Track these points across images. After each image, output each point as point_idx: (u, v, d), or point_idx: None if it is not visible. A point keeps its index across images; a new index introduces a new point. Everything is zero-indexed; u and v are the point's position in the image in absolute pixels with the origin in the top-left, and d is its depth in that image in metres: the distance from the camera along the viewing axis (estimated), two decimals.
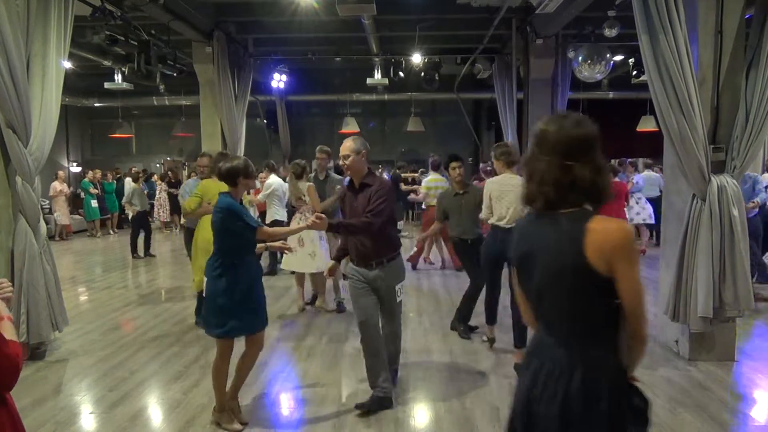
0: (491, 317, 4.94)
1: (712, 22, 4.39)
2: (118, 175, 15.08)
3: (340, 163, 3.84)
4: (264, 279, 3.75)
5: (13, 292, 1.79)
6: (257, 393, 4.07)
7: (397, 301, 3.87)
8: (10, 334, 1.56)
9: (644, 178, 10.48)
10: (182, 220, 6.79)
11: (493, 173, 5.36)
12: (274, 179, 7.60)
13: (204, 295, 3.57)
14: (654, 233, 10.56)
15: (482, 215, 4.69)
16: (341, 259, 4.16)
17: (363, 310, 3.75)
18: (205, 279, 3.49)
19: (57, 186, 12.93)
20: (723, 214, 4.40)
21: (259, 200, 7.60)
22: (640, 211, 9.85)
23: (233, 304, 3.37)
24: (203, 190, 5.29)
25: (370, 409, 3.70)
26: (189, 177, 6.78)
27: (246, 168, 3.51)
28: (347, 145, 3.73)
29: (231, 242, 3.43)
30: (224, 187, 5.15)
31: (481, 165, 11.59)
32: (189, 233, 5.98)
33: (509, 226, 4.41)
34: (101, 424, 3.65)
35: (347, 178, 4.41)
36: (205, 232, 5.06)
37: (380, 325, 3.86)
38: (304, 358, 4.79)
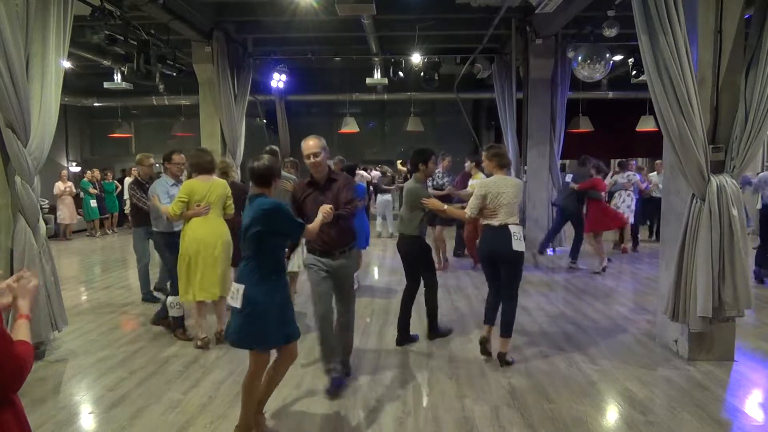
0: (491, 317, 4.85)
1: (711, 22, 4.39)
2: (124, 175, 15.07)
3: (311, 160, 3.92)
4: None
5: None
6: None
7: (355, 288, 4.06)
8: (24, 334, 1.56)
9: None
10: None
11: None
12: None
13: (240, 305, 3.16)
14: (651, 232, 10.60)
15: (470, 213, 4.58)
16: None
17: (322, 300, 3.99)
18: (238, 287, 3.18)
19: (61, 186, 12.94)
20: (722, 214, 4.40)
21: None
22: (629, 214, 9.90)
23: (275, 312, 3.20)
24: (189, 192, 4.85)
25: (335, 392, 3.99)
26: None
27: (278, 168, 3.56)
28: (315, 143, 3.93)
29: (275, 244, 3.29)
30: (219, 185, 5.03)
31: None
32: (161, 238, 5.47)
33: (501, 224, 4.47)
34: (101, 424, 3.65)
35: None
36: (192, 239, 4.83)
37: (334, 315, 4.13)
38: (303, 358, 4.79)
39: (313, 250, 4.04)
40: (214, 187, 4.99)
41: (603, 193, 8.75)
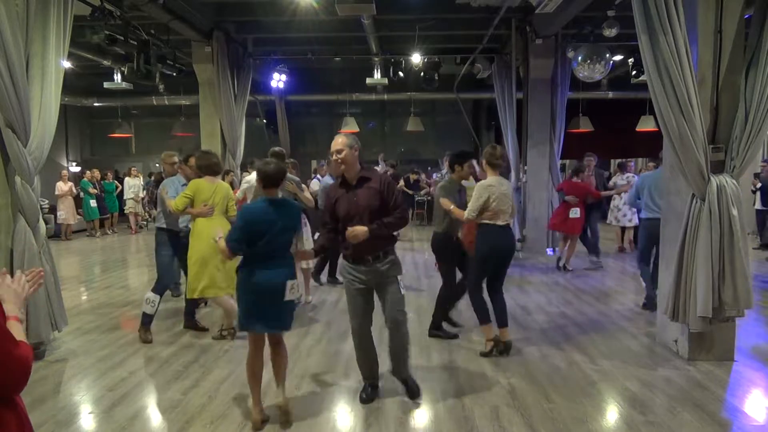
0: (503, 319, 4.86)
1: (711, 22, 4.39)
2: (120, 176, 15.08)
3: (333, 158, 3.77)
4: None
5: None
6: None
7: (401, 294, 3.76)
8: (18, 336, 1.55)
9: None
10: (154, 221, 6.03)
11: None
12: (253, 176, 7.79)
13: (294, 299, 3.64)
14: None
15: (469, 215, 4.60)
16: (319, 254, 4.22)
17: (356, 316, 3.79)
18: (295, 282, 3.54)
19: (62, 186, 12.93)
20: (722, 214, 4.40)
21: (238, 197, 7.57)
22: (631, 217, 9.92)
23: None
24: (195, 190, 4.99)
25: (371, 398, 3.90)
26: (161, 175, 6.07)
27: (285, 170, 3.74)
28: (341, 140, 3.70)
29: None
30: (222, 187, 5.14)
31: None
32: (172, 235, 5.46)
33: (505, 223, 4.64)
34: (100, 424, 3.65)
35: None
36: (201, 238, 4.89)
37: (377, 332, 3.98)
38: (304, 358, 4.79)
39: (346, 257, 3.79)
40: (218, 189, 5.12)
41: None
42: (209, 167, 5.13)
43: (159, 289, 5.27)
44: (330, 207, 3.79)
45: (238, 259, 4.86)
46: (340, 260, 4.00)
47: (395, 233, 3.96)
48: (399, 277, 3.77)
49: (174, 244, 5.43)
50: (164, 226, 5.46)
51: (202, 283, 4.96)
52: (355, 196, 3.67)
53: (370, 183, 3.68)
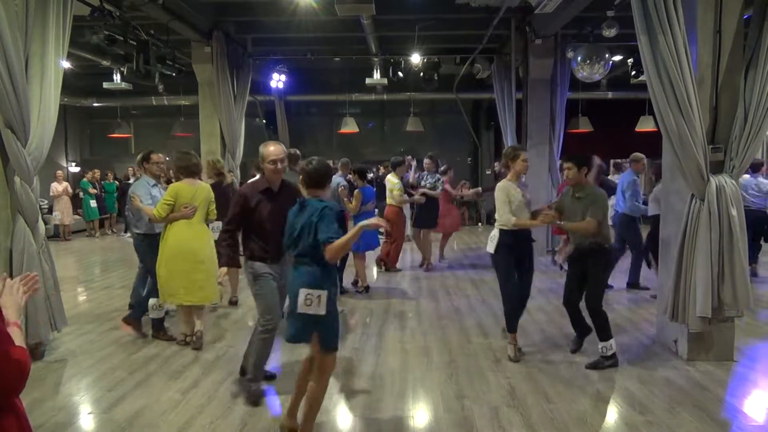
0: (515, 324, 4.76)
1: (710, 22, 4.39)
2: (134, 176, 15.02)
3: (278, 167, 3.78)
4: None
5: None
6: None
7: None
8: (18, 341, 1.56)
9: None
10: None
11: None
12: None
13: (325, 311, 3.10)
14: None
15: (514, 221, 4.47)
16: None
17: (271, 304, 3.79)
18: (318, 293, 3.07)
19: (57, 186, 12.92)
20: (722, 214, 4.40)
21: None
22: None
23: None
24: (175, 195, 4.78)
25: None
26: (134, 177, 5.75)
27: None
28: (282, 149, 3.82)
29: None
30: (204, 189, 4.87)
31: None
32: (143, 239, 5.26)
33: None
34: (100, 425, 3.64)
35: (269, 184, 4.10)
36: (175, 243, 4.76)
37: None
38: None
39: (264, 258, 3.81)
40: (199, 191, 4.95)
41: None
42: (188, 168, 4.93)
43: (157, 292, 5.05)
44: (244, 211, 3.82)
45: (207, 269, 4.74)
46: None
47: None
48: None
49: (152, 246, 5.09)
50: (143, 231, 5.22)
51: (170, 291, 4.84)
52: (274, 202, 3.77)
53: (291, 188, 3.81)
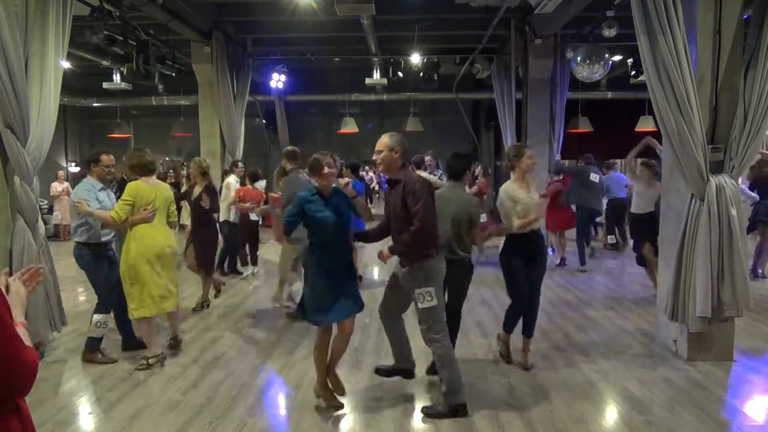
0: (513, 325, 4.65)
1: (710, 23, 4.40)
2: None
3: (373, 158, 3.80)
4: None
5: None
6: (257, 391, 4.07)
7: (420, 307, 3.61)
8: (26, 341, 1.56)
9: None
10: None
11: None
12: (231, 178, 8.24)
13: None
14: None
15: (512, 224, 4.30)
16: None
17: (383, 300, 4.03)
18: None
19: (57, 186, 12.91)
20: (721, 214, 4.40)
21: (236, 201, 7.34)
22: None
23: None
24: (135, 194, 4.41)
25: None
26: (84, 177, 4.96)
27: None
28: (382, 141, 3.75)
29: None
30: (164, 189, 4.72)
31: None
32: (98, 248, 4.73)
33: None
34: (100, 425, 3.65)
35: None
36: (145, 248, 4.41)
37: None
38: (306, 357, 4.79)
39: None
40: (159, 190, 4.63)
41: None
42: (143, 167, 4.60)
43: (104, 308, 4.71)
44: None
45: (176, 273, 4.70)
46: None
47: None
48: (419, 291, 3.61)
49: (99, 256, 4.69)
50: (83, 240, 4.64)
51: (141, 302, 4.47)
52: (390, 196, 3.79)
53: (399, 185, 3.64)
